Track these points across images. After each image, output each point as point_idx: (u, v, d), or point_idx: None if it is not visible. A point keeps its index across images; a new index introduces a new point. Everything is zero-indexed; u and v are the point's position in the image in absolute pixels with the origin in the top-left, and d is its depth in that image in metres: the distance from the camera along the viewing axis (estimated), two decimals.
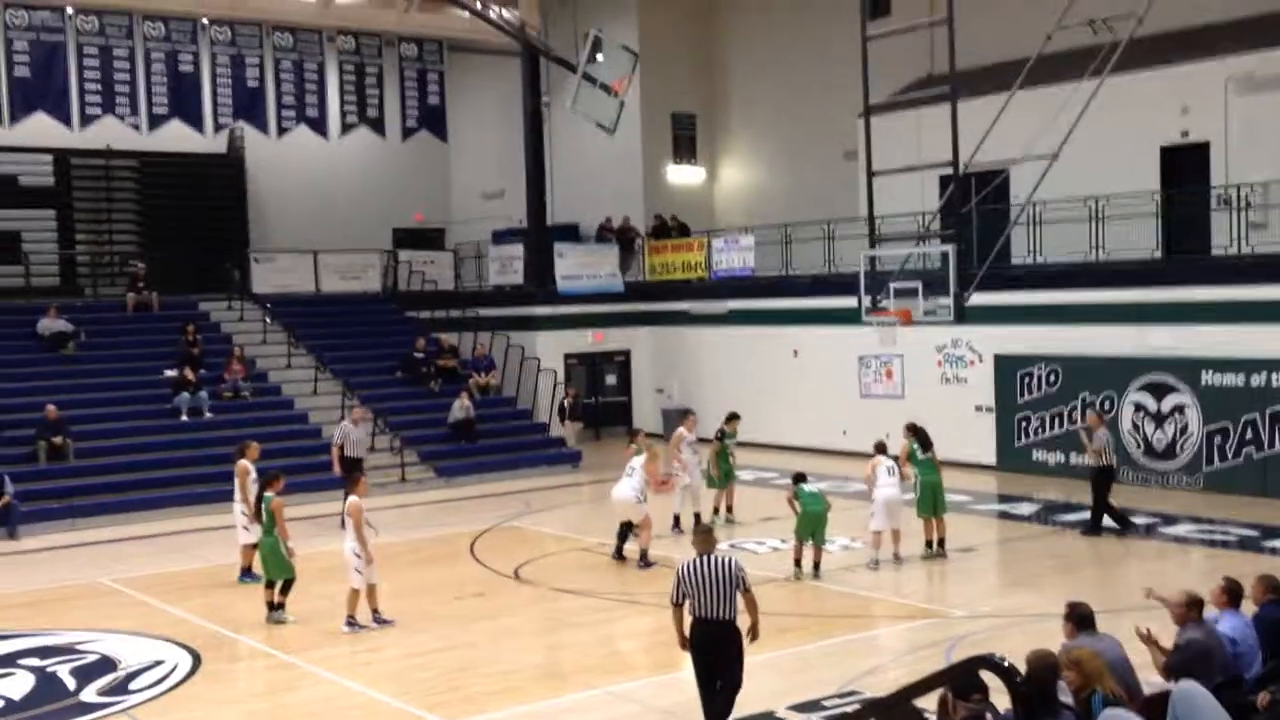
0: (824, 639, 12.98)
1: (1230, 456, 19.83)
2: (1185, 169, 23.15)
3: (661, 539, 17.36)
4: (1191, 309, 20.57)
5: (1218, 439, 20.00)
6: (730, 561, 9.37)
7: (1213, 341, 20.22)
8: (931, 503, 16.36)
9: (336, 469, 19.96)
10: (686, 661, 9.79)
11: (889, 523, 15.90)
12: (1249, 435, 19.64)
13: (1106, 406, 21.40)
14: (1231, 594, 9.08)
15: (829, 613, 14.07)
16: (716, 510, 19.24)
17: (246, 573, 16.04)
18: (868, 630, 13.57)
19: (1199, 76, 22.64)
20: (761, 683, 11.59)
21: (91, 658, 12.96)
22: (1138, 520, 18.47)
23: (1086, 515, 18.85)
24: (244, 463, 16.25)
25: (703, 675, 9.49)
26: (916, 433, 16.73)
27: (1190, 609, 8.75)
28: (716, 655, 9.37)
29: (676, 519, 18.49)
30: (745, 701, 9.80)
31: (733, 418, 19.94)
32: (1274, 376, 19.37)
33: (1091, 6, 19.56)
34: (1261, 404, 19.48)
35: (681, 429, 18.79)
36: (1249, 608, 9.18)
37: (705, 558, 9.35)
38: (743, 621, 9.46)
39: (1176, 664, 8.50)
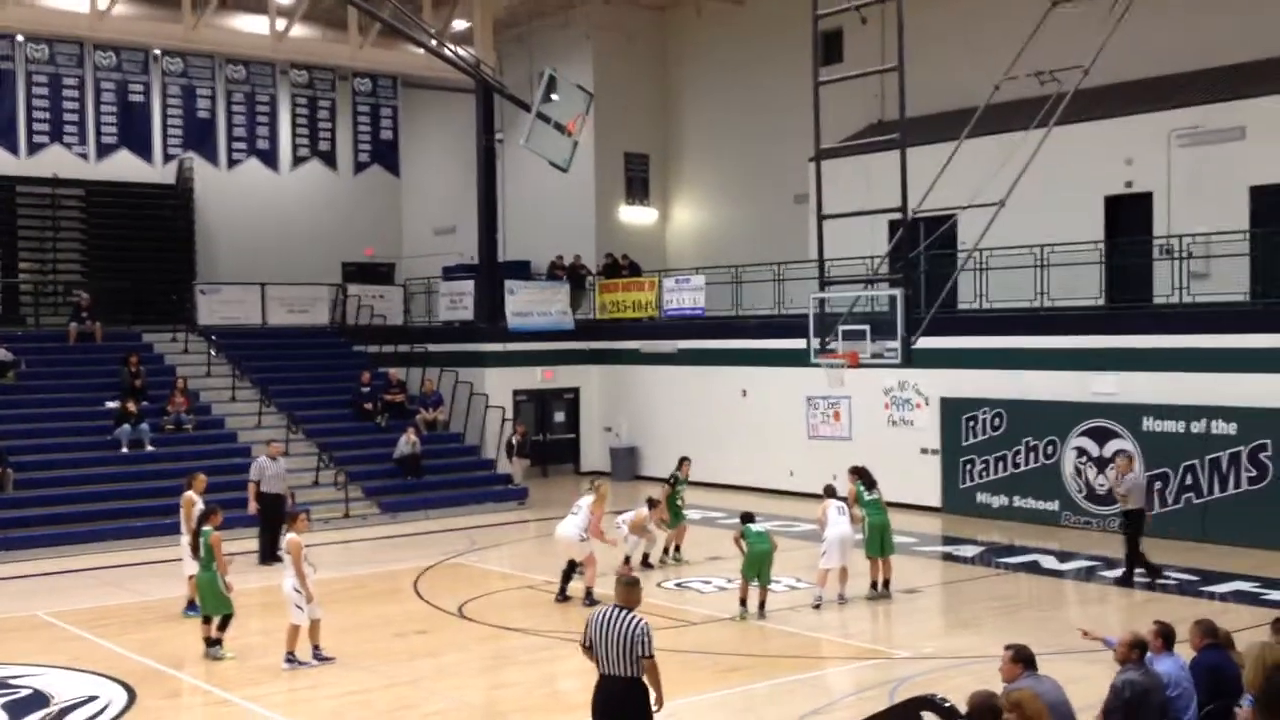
0: (769, 679, 12.95)
1: (1170, 502, 20.04)
2: (1128, 219, 23.55)
3: (608, 577, 17.22)
4: (1133, 356, 20.87)
5: (1158, 484, 20.19)
6: (636, 623, 8.74)
7: (1154, 388, 20.51)
8: (879, 543, 16.43)
9: (252, 507, 19.56)
10: None
11: (840, 560, 15.92)
12: (1189, 481, 19.88)
13: (1050, 451, 21.63)
14: (1165, 637, 9.17)
15: (774, 653, 14.05)
16: (667, 550, 19.20)
17: (192, 605, 15.76)
18: (813, 670, 13.57)
19: (1143, 129, 23.07)
20: None
21: (24, 692, 12.68)
22: (1080, 564, 18.66)
23: (1030, 559, 19.04)
24: (189, 494, 16.04)
25: None
26: (861, 474, 16.85)
27: (1133, 650, 8.84)
28: (614, 715, 8.81)
29: (627, 559, 18.40)
30: None
31: (684, 461, 20.03)
32: (1214, 424, 19.66)
33: (1039, 58, 19.91)
34: (1201, 451, 19.75)
35: (645, 511, 18.27)
36: (1186, 651, 9.27)
37: (618, 611, 8.83)
38: (650, 680, 8.87)
39: (1113, 706, 8.59)
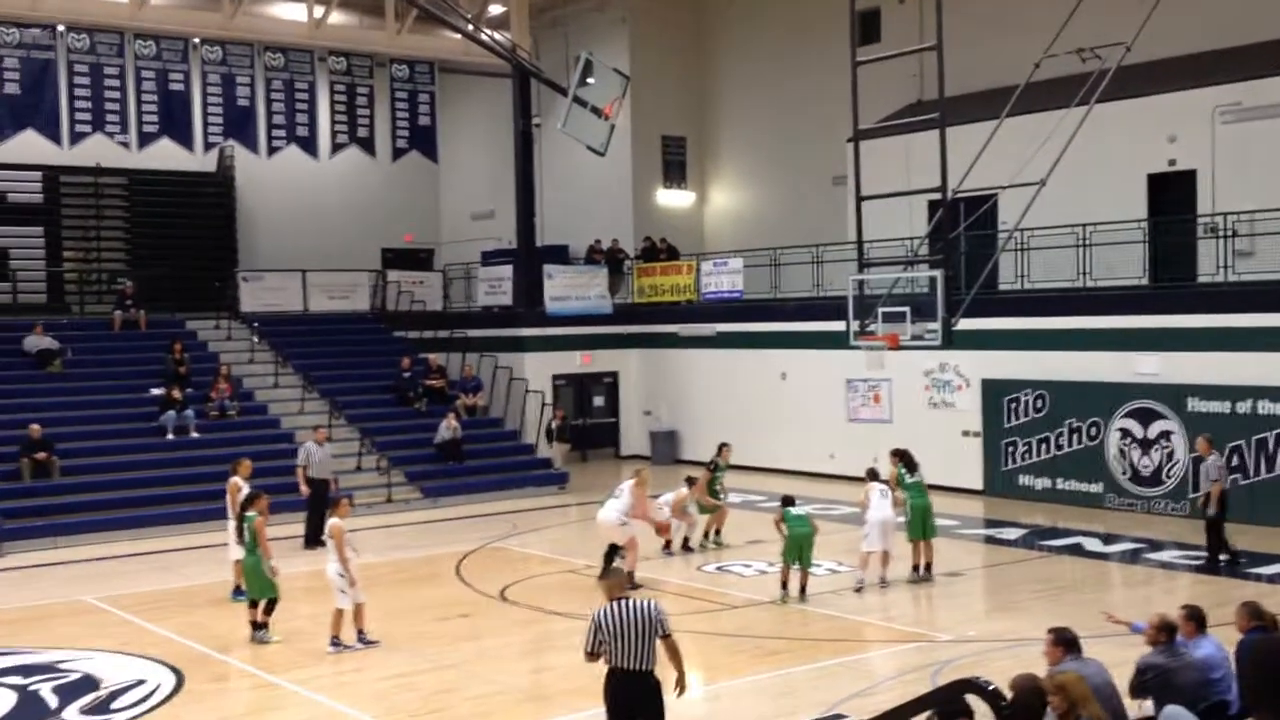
0: (810, 662, 12.94)
1: None
2: (1172, 197, 23.28)
3: (650, 561, 17.33)
4: (1178, 336, 20.65)
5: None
6: (649, 605, 8.69)
7: (1199, 368, 20.28)
8: (921, 526, 16.37)
9: (303, 490, 19.82)
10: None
11: (882, 544, 15.88)
12: (1235, 462, 19.62)
13: (1093, 432, 21.46)
14: (1195, 620, 9.08)
15: (815, 636, 14.04)
16: (707, 534, 19.23)
17: (239, 590, 15.93)
18: (854, 654, 13.54)
19: (1186, 105, 22.78)
20: (748, 706, 11.61)
21: (74, 676, 12.86)
22: (1124, 547, 18.53)
23: (1073, 541, 18.91)
24: (235, 479, 16.25)
25: None
26: (902, 456, 16.77)
27: (1160, 632, 8.80)
28: (635, 709, 8.62)
29: (668, 543, 18.48)
30: None
31: (723, 447, 20.08)
32: (1259, 404, 19.43)
33: (1080, 35, 19.70)
34: (1247, 431, 19.53)
35: (685, 491, 18.61)
36: (1231, 634, 9.18)
37: (621, 602, 8.67)
38: (663, 671, 8.75)
39: (1137, 685, 8.63)
